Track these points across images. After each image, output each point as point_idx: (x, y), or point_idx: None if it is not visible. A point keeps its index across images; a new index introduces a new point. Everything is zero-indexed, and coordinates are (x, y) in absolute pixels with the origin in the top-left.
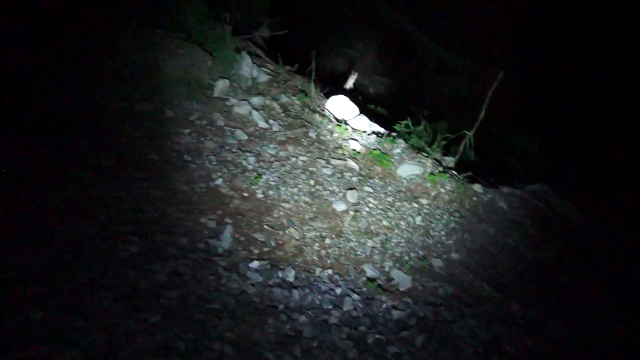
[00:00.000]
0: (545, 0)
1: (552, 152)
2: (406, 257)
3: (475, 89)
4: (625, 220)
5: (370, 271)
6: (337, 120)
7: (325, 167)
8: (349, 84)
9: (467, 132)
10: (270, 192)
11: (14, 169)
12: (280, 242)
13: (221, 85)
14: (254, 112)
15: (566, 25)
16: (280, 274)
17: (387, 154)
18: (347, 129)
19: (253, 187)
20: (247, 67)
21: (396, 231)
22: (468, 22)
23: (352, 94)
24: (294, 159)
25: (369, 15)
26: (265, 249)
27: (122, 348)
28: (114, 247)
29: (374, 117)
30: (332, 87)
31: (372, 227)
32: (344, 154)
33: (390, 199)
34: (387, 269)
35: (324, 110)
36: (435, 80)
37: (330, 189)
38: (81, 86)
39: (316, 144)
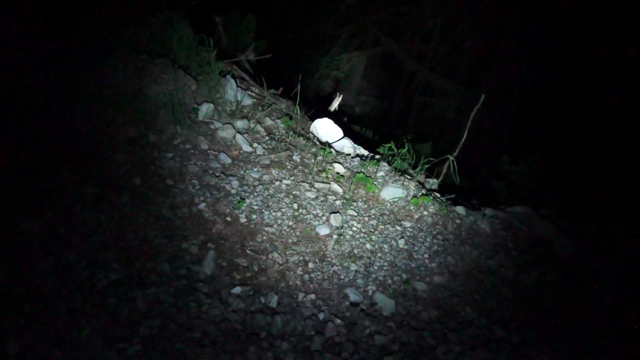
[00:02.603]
0: (531, 22)
1: (538, 175)
2: (389, 281)
3: (460, 110)
4: (610, 243)
5: (353, 295)
6: (321, 143)
7: (309, 190)
8: (334, 105)
9: (450, 157)
10: (254, 216)
11: None
12: (263, 267)
13: (205, 109)
14: (238, 136)
15: (554, 47)
16: (262, 300)
17: (370, 177)
18: (331, 152)
19: (236, 211)
20: (232, 91)
21: (379, 254)
22: (453, 44)
23: (337, 116)
24: (277, 183)
25: (356, 37)
26: (248, 274)
27: None
28: (94, 275)
29: (358, 139)
30: (318, 109)
31: (356, 251)
32: (327, 178)
33: (373, 222)
34: (370, 293)
35: (308, 134)
36: (421, 102)
37: (314, 212)
38: (65, 111)
39: (300, 167)
